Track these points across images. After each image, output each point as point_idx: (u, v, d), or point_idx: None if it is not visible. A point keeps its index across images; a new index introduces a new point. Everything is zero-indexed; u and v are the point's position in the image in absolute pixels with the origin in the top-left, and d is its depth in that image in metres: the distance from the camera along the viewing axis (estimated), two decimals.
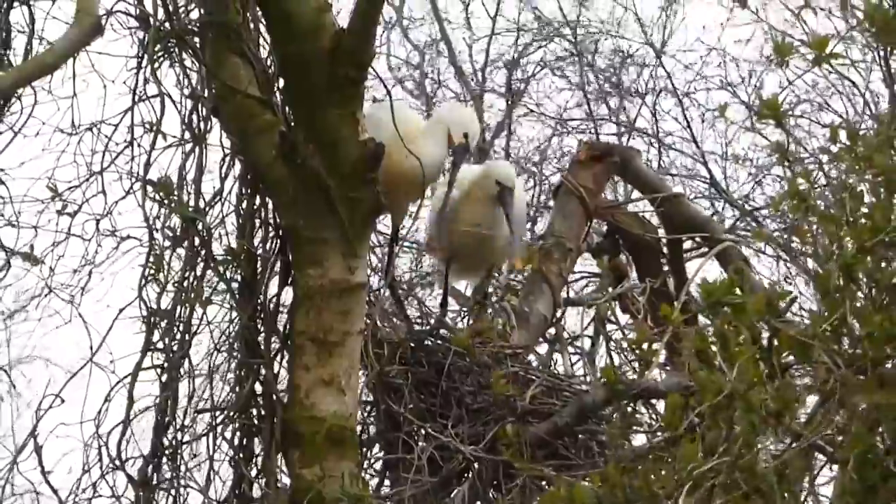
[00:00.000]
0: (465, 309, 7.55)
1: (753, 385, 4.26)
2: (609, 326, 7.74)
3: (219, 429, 6.14)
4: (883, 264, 4.32)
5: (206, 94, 6.38)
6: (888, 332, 4.21)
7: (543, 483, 6.14)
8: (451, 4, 13.85)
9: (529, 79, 13.24)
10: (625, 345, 7.42)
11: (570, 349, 7.49)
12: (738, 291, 4.47)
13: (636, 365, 7.22)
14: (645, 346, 5.76)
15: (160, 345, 6.27)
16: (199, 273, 6.30)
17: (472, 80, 13.43)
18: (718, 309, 4.46)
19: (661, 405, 6.72)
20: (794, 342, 4.32)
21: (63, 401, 6.34)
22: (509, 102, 12.92)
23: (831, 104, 12.16)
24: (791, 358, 4.42)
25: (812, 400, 4.48)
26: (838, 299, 4.30)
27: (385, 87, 6.55)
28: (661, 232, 7.94)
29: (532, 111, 13.08)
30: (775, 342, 4.39)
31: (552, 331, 7.46)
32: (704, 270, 7.64)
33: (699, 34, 12.94)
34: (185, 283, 6.29)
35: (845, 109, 12.06)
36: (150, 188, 6.33)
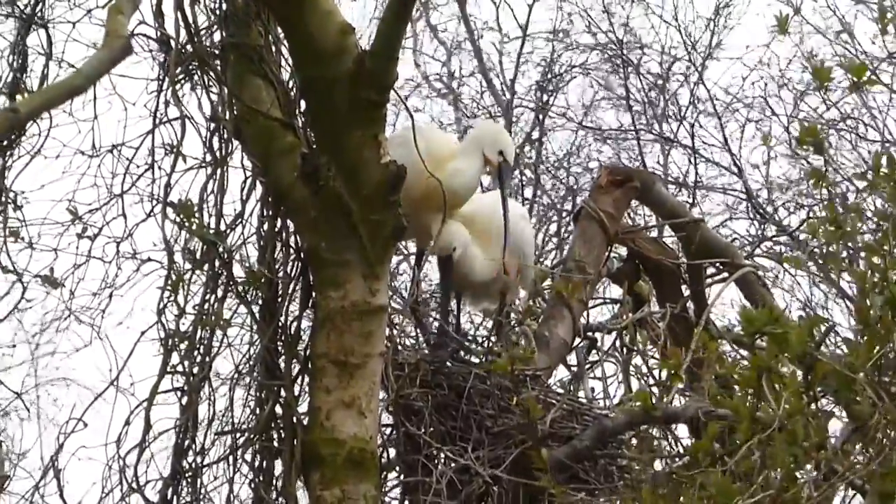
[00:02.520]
0: (488, 327, 7.49)
1: (796, 416, 4.21)
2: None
3: (239, 451, 6.12)
4: None
5: (227, 117, 6.39)
6: None
7: None
8: (480, 7, 13.73)
9: (561, 86, 13.09)
10: (645, 369, 7.38)
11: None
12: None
13: (656, 390, 7.19)
14: (668, 370, 5.72)
15: (180, 367, 6.25)
16: (219, 295, 6.29)
17: (502, 91, 13.33)
18: (756, 338, 4.40)
19: (679, 430, 6.69)
20: (835, 374, 4.27)
21: (86, 425, 6.34)
22: (539, 117, 12.82)
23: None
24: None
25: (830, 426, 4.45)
26: (880, 331, 4.26)
27: (409, 111, 6.54)
28: (682, 257, 7.92)
29: (570, 121, 12.94)
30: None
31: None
32: (724, 296, 7.65)
33: (743, 50, 12.93)
34: (206, 306, 6.29)
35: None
36: (170, 210, 6.33)
